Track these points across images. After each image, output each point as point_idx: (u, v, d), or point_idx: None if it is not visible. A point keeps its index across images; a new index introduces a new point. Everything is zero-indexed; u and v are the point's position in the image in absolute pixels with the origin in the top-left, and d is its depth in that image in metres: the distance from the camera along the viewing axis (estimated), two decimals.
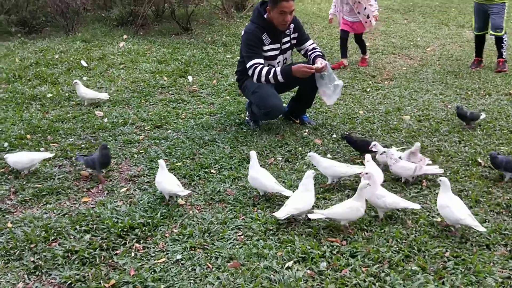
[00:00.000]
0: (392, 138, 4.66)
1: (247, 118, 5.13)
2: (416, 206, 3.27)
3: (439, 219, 3.26)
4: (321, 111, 5.50)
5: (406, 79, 6.83)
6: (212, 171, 4.06)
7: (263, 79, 4.60)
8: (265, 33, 4.64)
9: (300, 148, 4.45)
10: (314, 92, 4.99)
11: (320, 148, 4.45)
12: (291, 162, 4.21)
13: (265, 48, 4.66)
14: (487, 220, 3.27)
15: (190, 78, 6.82)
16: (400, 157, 3.82)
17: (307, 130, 4.89)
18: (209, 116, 5.35)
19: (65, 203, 3.58)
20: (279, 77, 4.58)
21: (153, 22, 10.22)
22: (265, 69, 4.58)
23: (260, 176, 3.56)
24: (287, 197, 3.40)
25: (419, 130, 4.86)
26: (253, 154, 3.67)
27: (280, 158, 4.29)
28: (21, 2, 9.44)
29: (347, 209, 3.12)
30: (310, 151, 4.10)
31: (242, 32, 4.77)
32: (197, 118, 5.30)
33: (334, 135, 4.75)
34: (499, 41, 7.10)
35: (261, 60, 4.62)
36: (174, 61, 7.56)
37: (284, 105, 5.30)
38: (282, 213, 3.18)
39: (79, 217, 3.35)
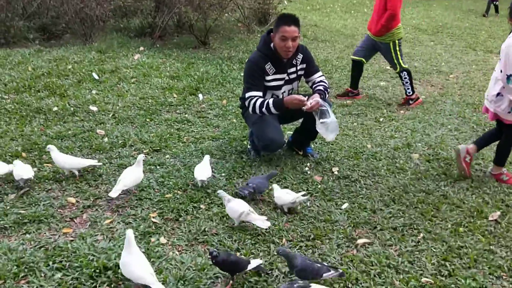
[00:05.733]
0: (396, 180, 4.42)
1: (248, 147, 4.96)
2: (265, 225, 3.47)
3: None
4: (327, 143, 5.29)
5: (423, 109, 6.58)
6: (201, 206, 3.90)
7: (257, 111, 4.43)
8: (269, 63, 4.45)
9: (296, 185, 4.25)
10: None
11: (319, 186, 4.24)
12: None
13: (268, 78, 4.48)
14: (485, 286, 3.02)
15: (200, 96, 6.71)
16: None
17: (308, 164, 4.69)
18: (211, 141, 5.20)
19: (44, 233, 3.46)
20: (272, 109, 4.40)
21: (172, 33, 10.15)
22: (259, 101, 4.41)
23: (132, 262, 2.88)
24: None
25: (426, 171, 4.60)
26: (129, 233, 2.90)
27: None
28: (42, 8, 9.48)
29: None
30: (307, 189, 3.95)
31: (247, 60, 4.62)
32: (198, 142, 5.16)
33: (336, 172, 4.54)
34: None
35: (259, 93, 4.45)
36: (186, 77, 7.45)
37: (290, 132, 5.14)
38: (114, 192, 3.81)
39: (55, 251, 3.22)
